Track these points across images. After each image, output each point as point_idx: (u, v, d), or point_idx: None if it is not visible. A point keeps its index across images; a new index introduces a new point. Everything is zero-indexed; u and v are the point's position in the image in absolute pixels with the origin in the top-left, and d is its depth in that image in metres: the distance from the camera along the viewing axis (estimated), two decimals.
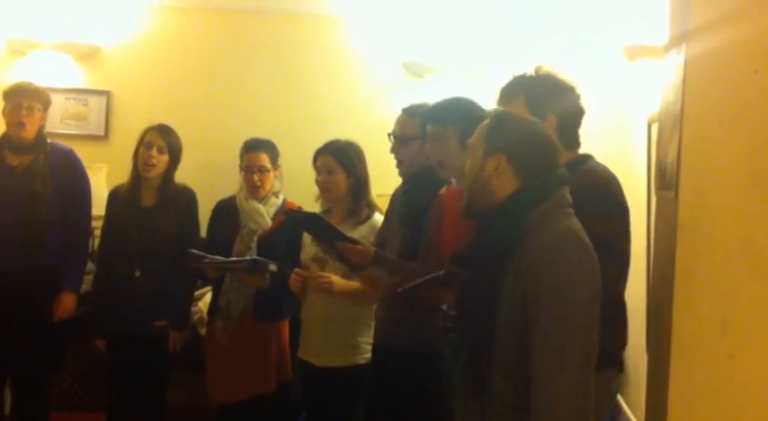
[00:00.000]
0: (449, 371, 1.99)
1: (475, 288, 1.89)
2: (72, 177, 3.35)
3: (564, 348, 1.70)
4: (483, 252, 1.87)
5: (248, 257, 3.10)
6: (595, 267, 1.77)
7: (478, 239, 1.90)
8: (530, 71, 2.24)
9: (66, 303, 3.29)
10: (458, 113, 2.40)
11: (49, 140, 3.38)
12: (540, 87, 2.18)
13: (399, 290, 2.32)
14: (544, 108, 2.14)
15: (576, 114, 2.24)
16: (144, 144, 3.25)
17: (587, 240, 1.80)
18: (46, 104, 3.36)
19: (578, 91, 2.24)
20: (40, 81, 4.14)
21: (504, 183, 1.85)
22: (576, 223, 1.83)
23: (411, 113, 2.69)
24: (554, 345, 1.70)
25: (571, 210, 1.85)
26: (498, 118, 1.95)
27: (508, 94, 2.22)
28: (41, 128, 3.35)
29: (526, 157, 1.86)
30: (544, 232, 1.78)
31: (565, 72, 2.27)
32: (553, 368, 1.70)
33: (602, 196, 2.11)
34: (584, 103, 2.26)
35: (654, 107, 2.67)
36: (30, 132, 3.27)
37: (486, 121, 1.94)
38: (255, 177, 3.24)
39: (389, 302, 2.66)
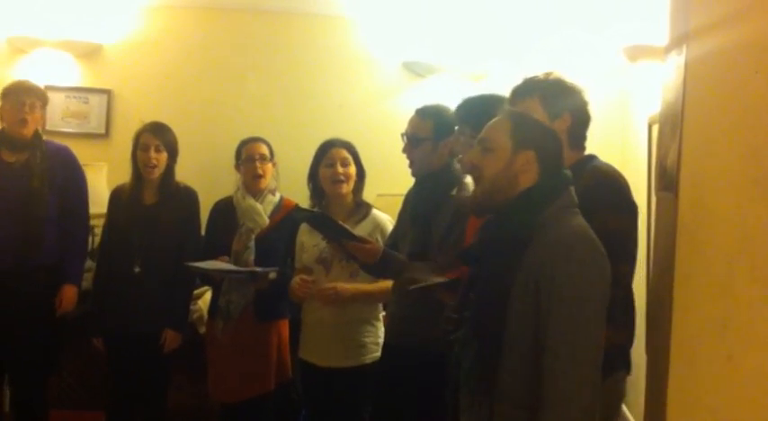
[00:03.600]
0: (455, 371, 1.97)
1: (484, 286, 1.89)
2: (68, 174, 3.36)
3: (577, 345, 1.71)
4: (496, 248, 1.87)
5: (247, 269, 3.10)
6: (606, 265, 1.79)
7: (491, 236, 1.90)
8: (540, 75, 2.28)
9: (68, 296, 3.30)
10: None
11: (44, 138, 3.40)
12: (553, 87, 2.23)
13: (410, 288, 2.33)
14: (559, 106, 2.20)
15: (586, 116, 2.28)
16: (140, 146, 3.25)
17: (597, 239, 1.81)
18: (45, 103, 3.40)
19: (586, 96, 2.28)
20: (41, 79, 4.16)
21: (529, 180, 1.87)
22: (584, 222, 1.85)
23: (423, 114, 2.70)
24: (567, 343, 1.71)
25: (578, 211, 1.87)
26: (519, 116, 1.97)
27: (522, 93, 2.25)
28: (39, 126, 3.36)
29: (550, 156, 1.89)
30: (557, 229, 1.80)
31: (572, 76, 2.30)
32: (566, 365, 1.71)
33: (613, 193, 2.14)
34: (590, 109, 2.29)
35: (654, 108, 2.67)
36: (30, 130, 3.29)
37: (503, 119, 1.93)
38: (258, 164, 3.23)
39: (400, 300, 2.67)
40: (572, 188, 1.90)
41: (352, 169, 3.04)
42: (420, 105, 2.77)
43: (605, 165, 2.24)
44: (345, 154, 3.04)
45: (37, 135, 3.34)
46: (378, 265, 2.61)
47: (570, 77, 2.29)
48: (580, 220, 1.85)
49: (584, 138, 2.29)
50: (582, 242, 1.79)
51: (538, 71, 2.31)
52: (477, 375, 1.86)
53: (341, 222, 2.71)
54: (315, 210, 3.04)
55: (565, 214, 1.84)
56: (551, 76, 2.27)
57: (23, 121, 3.25)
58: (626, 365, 2.23)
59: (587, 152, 2.30)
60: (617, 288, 2.08)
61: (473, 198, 1.98)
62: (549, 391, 1.71)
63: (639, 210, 2.20)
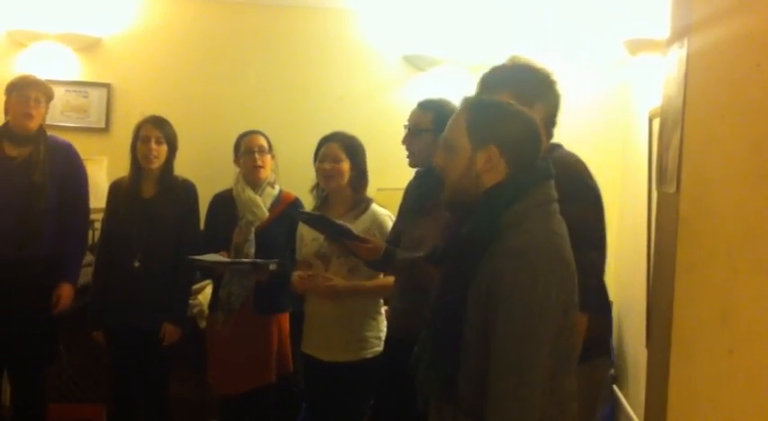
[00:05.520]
0: (413, 369, 1.91)
1: (444, 287, 1.81)
2: (70, 170, 3.37)
3: (523, 362, 1.60)
4: (453, 250, 1.79)
5: (248, 260, 3.11)
6: (567, 275, 1.69)
7: (453, 236, 1.81)
8: (507, 62, 2.24)
9: (64, 295, 3.30)
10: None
11: (48, 133, 3.40)
12: (525, 78, 2.18)
13: (398, 258, 2.32)
14: (532, 97, 2.13)
15: (558, 100, 2.22)
16: (141, 138, 3.26)
17: (562, 244, 1.71)
18: (50, 98, 3.40)
19: (555, 77, 2.22)
20: (40, 73, 4.15)
21: (495, 178, 1.75)
22: (554, 224, 1.73)
23: (425, 107, 2.71)
24: (512, 359, 1.61)
25: (554, 208, 1.76)
26: (476, 107, 1.80)
27: (493, 86, 2.18)
28: (43, 121, 3.37)
29: (517, 147, 1.75)
30: (515, 235, 1.67)
31: (539, 60, 2.24)
32: (511, 382, 1.60)
33: (575, 182, 2.12)
34: (559, 89, 2.22)
35: (655, 102, 2.67)
36: (35, 124, 3.30)
37: (460, 113, 1.80)
38: (257, 156, 3.24)
39: (402, 293, 2.67)
40: (549, 183, 1.77)
41: (344, 165, 3.03)
42: (421, 98, 2.78)
43: (567, 154, 2.21)
44: (336, 149, 3.03)
45: (41, 130, 3.35)
46: (380, 262, 2.62)
47: (537, 61, 2.22)
48: (548, 224, 1.72)
49: (554, 124, 2.21)
50: (538, 252, 1.65)
51: (535, 62, 2.28)
52: (435, 380, 1.80)
53: (340, 222, 2.71)
54: (314, 212, 3.05)
55: (534, 214, 1.71)
56: (519, 63, 2.20)
57: (29, 116, 3.26)
58: (604, 352, 2.22)
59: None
60: (589, 276, 2.07)
61: (443, 198, 1.88)
62: (495, 410, 1.62)
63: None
